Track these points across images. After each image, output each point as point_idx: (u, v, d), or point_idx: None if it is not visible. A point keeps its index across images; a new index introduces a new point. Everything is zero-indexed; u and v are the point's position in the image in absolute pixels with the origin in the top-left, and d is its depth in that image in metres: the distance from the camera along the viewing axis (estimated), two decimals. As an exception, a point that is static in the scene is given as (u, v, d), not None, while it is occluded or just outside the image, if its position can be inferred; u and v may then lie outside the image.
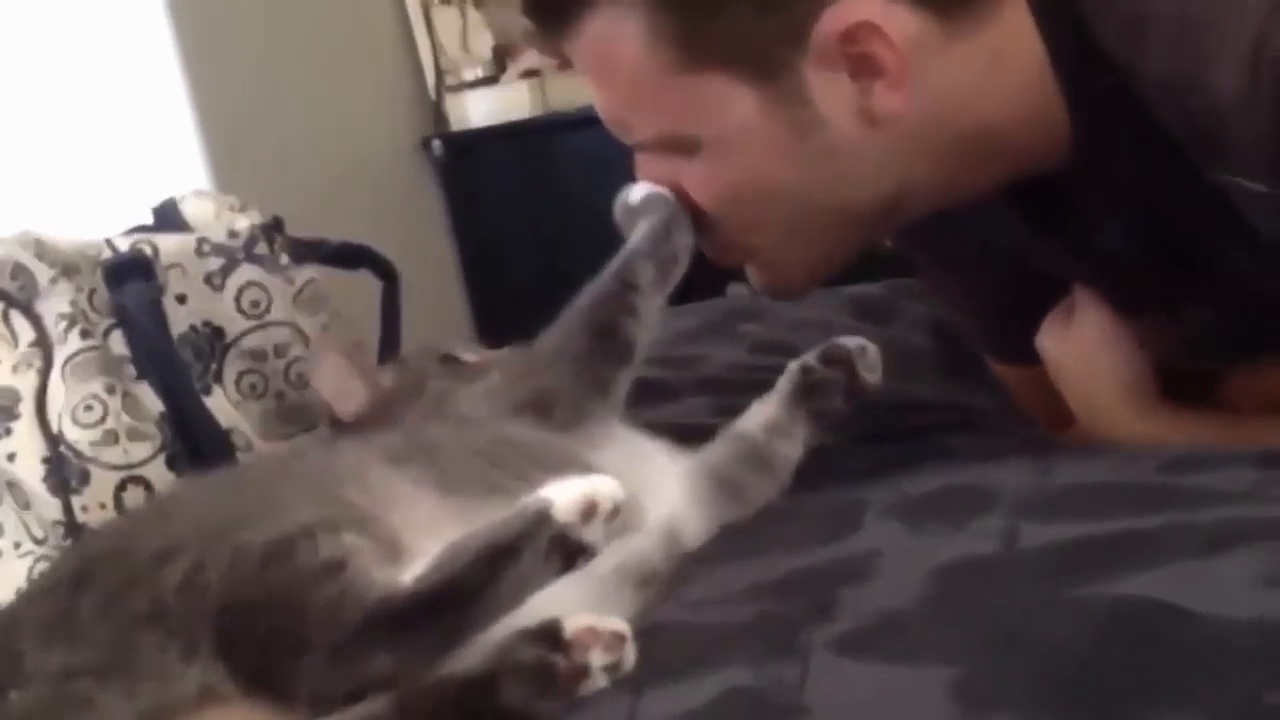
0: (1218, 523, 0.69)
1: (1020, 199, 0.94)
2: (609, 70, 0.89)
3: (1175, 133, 0.81)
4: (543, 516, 0.65)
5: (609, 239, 2.80)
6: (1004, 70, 0.86)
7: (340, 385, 0.93)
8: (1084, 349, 1.01)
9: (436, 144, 2.65)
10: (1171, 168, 0.83)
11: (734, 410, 0.97)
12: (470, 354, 0.98)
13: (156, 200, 1.12)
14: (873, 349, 0.94)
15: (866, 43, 0.83)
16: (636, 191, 0.93)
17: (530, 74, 2.58)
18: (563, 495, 0.65)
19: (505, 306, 2.66)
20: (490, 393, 0.89)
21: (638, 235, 0.92)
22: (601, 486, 0.66)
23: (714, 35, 0.84)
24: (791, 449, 0.92)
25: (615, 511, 0.66)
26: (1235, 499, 0.72)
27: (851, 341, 0.94)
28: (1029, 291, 1.04)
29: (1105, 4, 0.83)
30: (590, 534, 0.65)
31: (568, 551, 0.65)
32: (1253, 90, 0.75)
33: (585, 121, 2.51)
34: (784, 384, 0.94)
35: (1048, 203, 0.93)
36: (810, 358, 0.94)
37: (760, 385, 1.07)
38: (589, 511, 0.65)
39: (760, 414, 0.93)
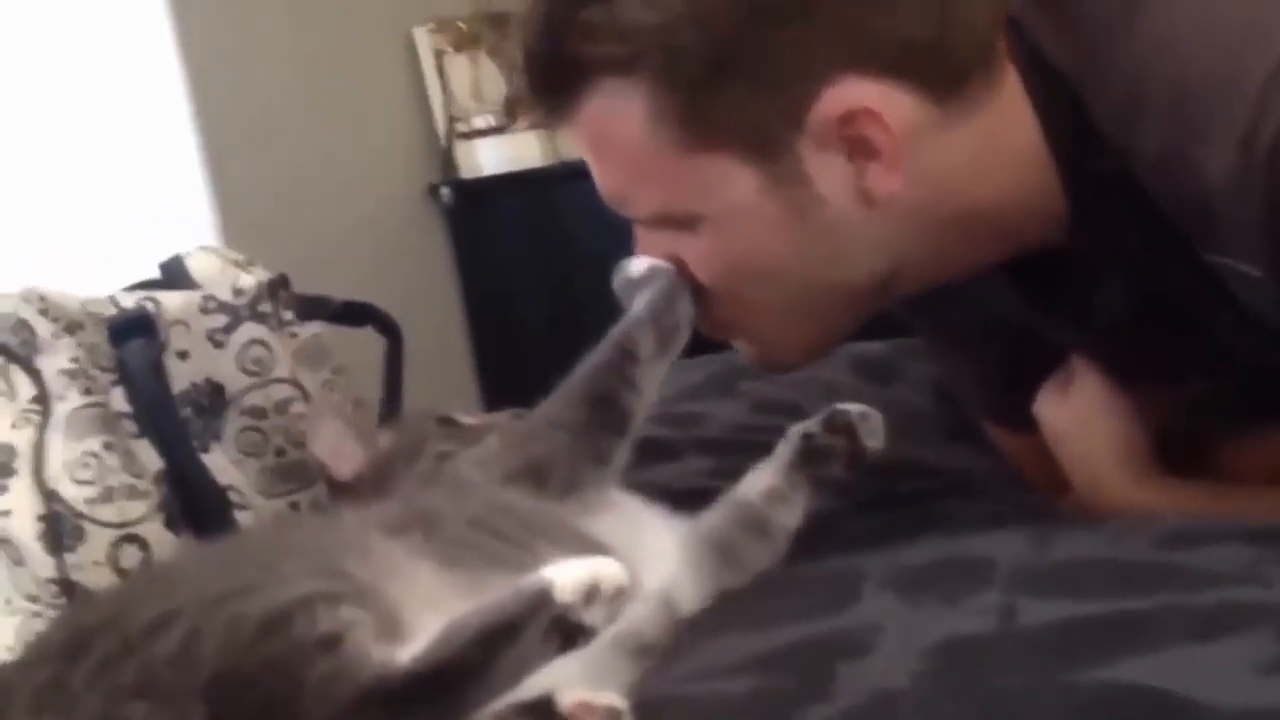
0: (1213, 606, 0.69)
1: (1017, 271, 0.94)
2: (609, 148, 0.90)
3: (1169, 213, 0.82)
4: (544, 597, 0.64)
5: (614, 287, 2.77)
6: (999, 152, 0.87)
7: (337, 447, 0.93)
8: (1080, 416, 1.01)
9: (445, 191, 2.67)
10: (1167, 245, 0.84)
11: (734, 472, 0.97)
12: (468, 418, 0.98)
13: (164, 255, 1.12)
14: (875, 415, 0.94)
15: (863, 126, 0.84)
16: (637, 264, 0.94)
17: (541, 123, 2.60)
18: (565, 576, 0.64)
19: (510, 354, 2.66)
20: (486, 460, 0.89)
21: (639, 304, 0.92)
22: (604, 568, 0.65)
23: (715, 115, 0.85)
24: (790, 517, 0.92)
25: (618, 593, 0.65)
26: (1231, 580, 0.72)
27: (854, 408, 0.94)
28: (1027, 359, 1.05)
29: (1100, 86, 0.83)
30: (591, 616, 0.64)
31: (567, 632, 0.64)
32: (1244, 175, 0.75)
33: (593, 171, 2.54)
34: (784, 450, 0.94)
35: (1044, 274, 0.93)
36: (812, 424, 0.94)
37: (761, 447, 1.07)
38: (591, 593, 0.64)
39: (760, 481, 0.93)
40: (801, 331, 0.95)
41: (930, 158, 0.85)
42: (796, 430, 0.94)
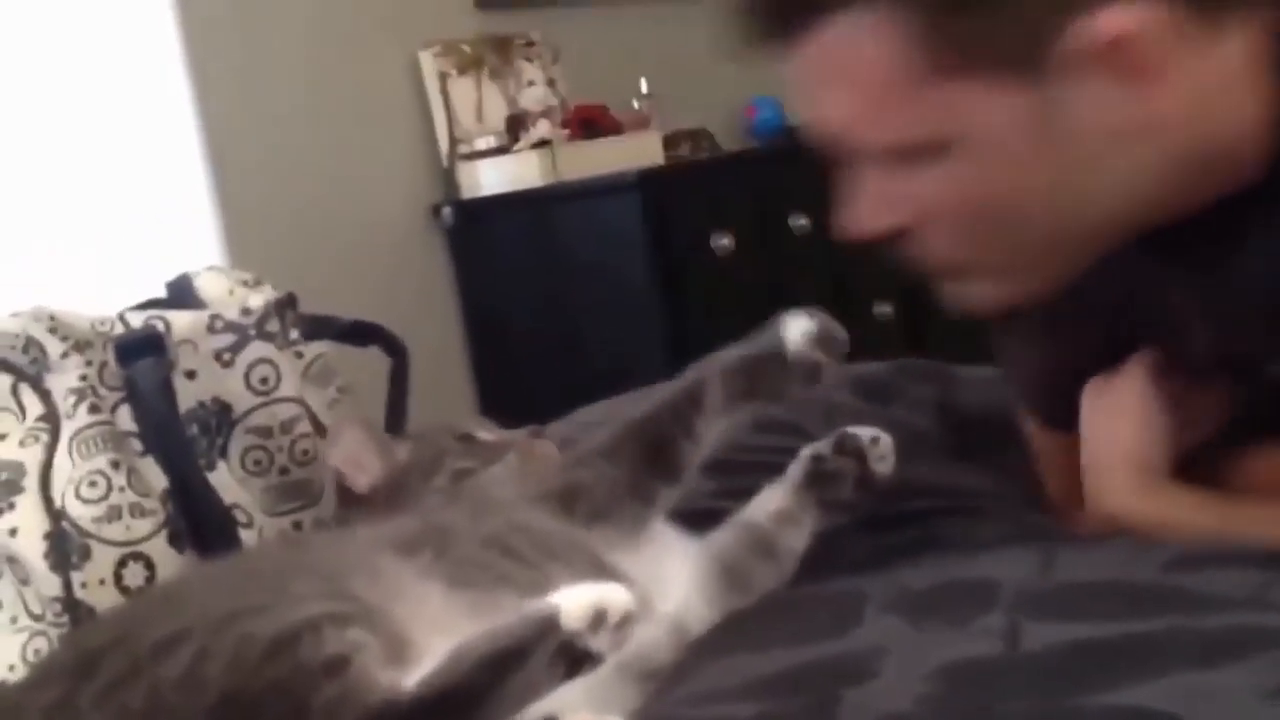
0: (1219, 630, 0.69)
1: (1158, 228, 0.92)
2: (851, 74, 0.85)
3: None
4: (551, 623, 0.64)
5: (612, 306, 2.80)
6: (1245, 80, 0.85)
7: (357, 458, 0.93)
8: (1109, 411, 0.99)
9: (447, 210, 2.67)
10: None
11: (736, 493, 0.97)
12: (487, 433, 0.98)
13: (172, 274, 1.12)
14: (886, 440, 0.93)
15: (1128, 49, 0.81)
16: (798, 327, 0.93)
17: (541, 144, 2.61)
18: (572, 602, 0.65)
19: (509, 371, 2.66)
20: (511, 476, 0.89)
21: (734, 353, 0.90)
22: (612, 595, 0.65)
23: (971, 39, 0.82)
24: (798, 539, 0.92)
25: (625, 620, 0.65)
26: (1238, 605, 0.72)
27: (864, 432, 0.93)
28: (1096, 355, 1.02)
29: None
30: (598, 642, 0.64)
31: (574, 659, 0.64)
32: None
33: (593, 191, 2.56)
34: (795, 471, 0.93)
35: (1187, 232, 0.91)
36: (823, 446, 0.93)
37: (763, 467, 1.07)
38: (598, 620, 0.64)
39: (770, 502, 0.93)
40: (1038, 271, 0.91)
41: (1186, 88, 0.83)
42: (806, 453, 0.94)
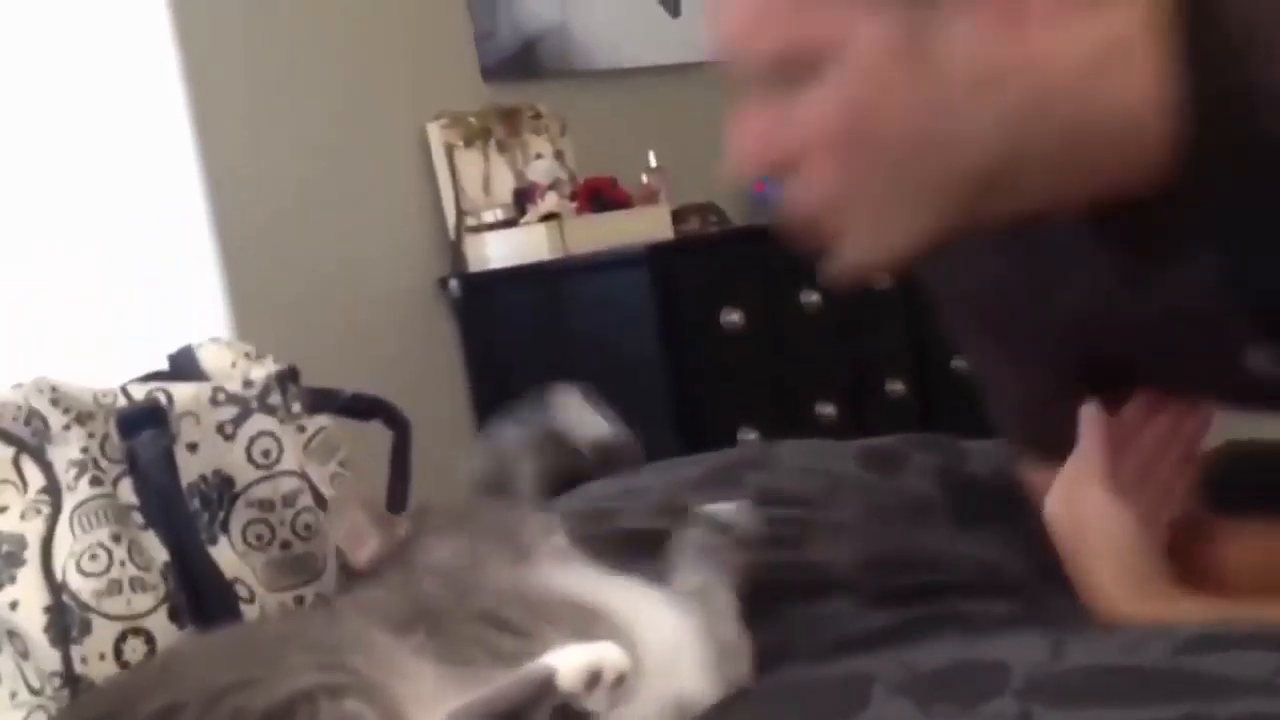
0: (1234, 716, 0.68)
1: (1107, 225, 0.92)
2: None
3: None
4: (548, 684, 0.66)
5: (620, 381, 2.81)
6: (1131, 50, 0.85)
7: (356, 534, 0.93)
8: (1082, 528, 1.00)
9: (454, 283, 2.68)
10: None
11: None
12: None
13: (177, 346, 1.12)
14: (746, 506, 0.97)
15: None
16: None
17: (549, 217, 2.62)
18: (568, 663, 0.66)
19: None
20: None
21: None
22: (607, 654, 0.67)
23: None
24: (720, 603, 0.91)
25: (620, 679, 0.67)
26: (1252, 689, 0.71)
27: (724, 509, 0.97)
28: (1077, 384, 1.02)
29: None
30: (593, 702, 0.66)
31: (570, 719, 0.65)
32: None
33: (601, 265, 2.57)
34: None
35: (1137, 228, 0.91)
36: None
37: (770, 540, 1.07)
38: (593, 680, 0.66)
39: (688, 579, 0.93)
40: (906, 212, 0.90)
41: (1066, 38, 0.84)
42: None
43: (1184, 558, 1.00)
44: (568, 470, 0.95)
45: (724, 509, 0.95)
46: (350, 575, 0.96)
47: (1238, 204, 0.86)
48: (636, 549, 1.02)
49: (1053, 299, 1.01)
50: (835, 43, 0.85)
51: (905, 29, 0.84)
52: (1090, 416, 1.02)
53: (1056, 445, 1.03)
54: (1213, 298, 0.90)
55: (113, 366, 1.20)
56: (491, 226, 2.69)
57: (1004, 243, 0.98)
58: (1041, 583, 1.04)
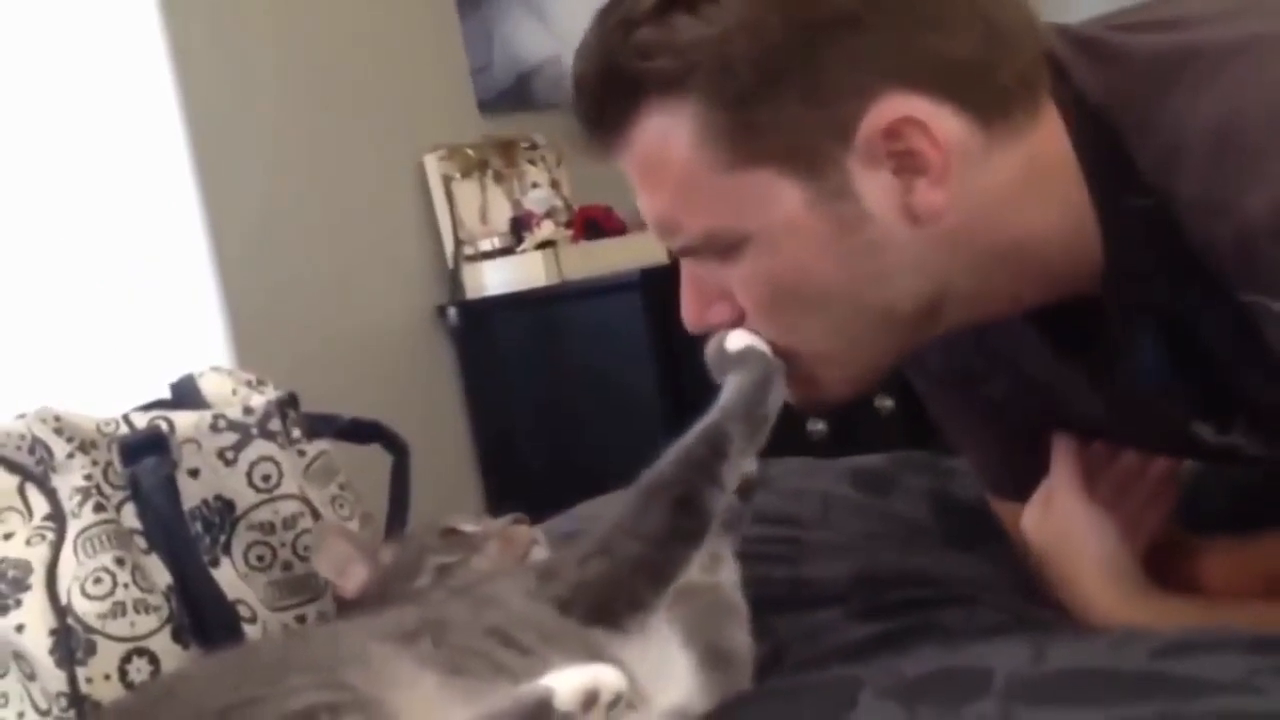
0: (1207, 715, 0.70)
1: (1051, 323, 0.95)
2: (659, 170, 0.90)
3: (1205, 255, 0.82)
4: (545, 705, 0.66)
5: (616, 402, 2.79)
6: (1040, 181, 0.88)
7: (343, 567, 0.95)
8: (1061, 536, 1.02)
9: (452, 311, 2.71)
10: (1199, 290, 0.85)
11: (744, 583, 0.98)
12: (470, 525, 0.99)
13: (178, 375, 1.14)
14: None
15: (911, 139, 0.85)
16: (735, 339, 0.93)
17: (545, 245, 2.64)
18: (565, 684, 0.67)
19: (514, 469, 2.67)
20: (527, 580, 0.88)
21: (731, 392, 0.91)
22: (603, 676, 0.68)
23: (762, 130, 0.86)
24: (732, 572, 0.94)
25: (616, 700, 0.68)
26: (1225, 689, 0.73)
27: None
28: (1036, 435, 1.05)
29: (1144, 130, 0.85)
30: None
31: None
32: None
33: (597, 290, 2.59)
34: None
35: (1077, 327, 0.93)
36: None
37: (762, 559, 1.08)
38: (590, 700, 0.67)
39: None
40: (846, 360, 0.94)
41: (973, 180, 0.87)
42: None
43: (1160, 571, 1.02)
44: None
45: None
46: (343, 605, 0.98)
47: (1161, 311, 0.89)
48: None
49: (1012, 377, 1.04)
50: (753, 220, 0.89)
51: (816, 195, 0.87)
52: (1062, 441, 1.04)
53: (1026, 487, 1.07)
54: (1160, 384, 0.93)
55: (115, 396, 1.22)
56: (489, 255, 2.71)
57: (958, 339, 1.01)
58: (1026, 597, 1.06)
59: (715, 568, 0.93)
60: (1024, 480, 1.08)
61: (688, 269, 0.95)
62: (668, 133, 0.89)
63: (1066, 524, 1.02)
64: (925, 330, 0.94)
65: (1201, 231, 0.82)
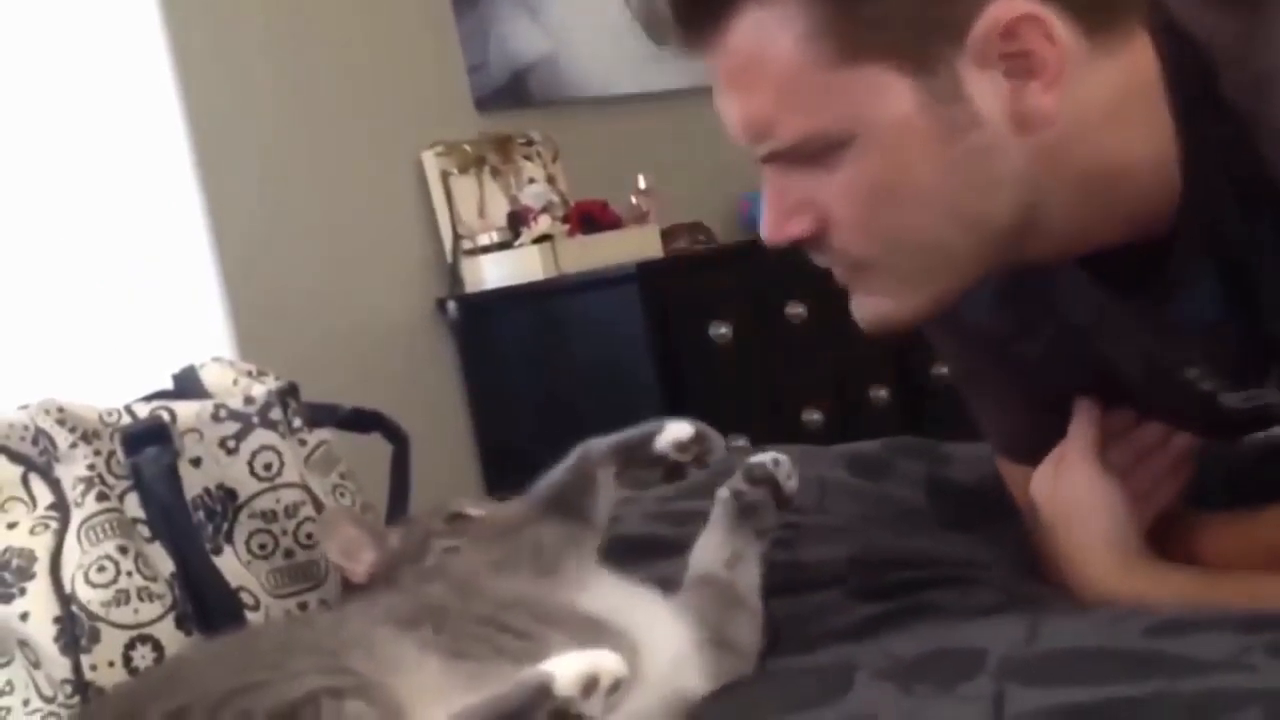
0: (1202, 692, 0.71)
1: (1104, 266, 0.94)
2: (759, 69, 0.87)
3: None
4: (545, 690, 0.67)
5: (614, 394, 2.81)
6: (1132, 104, 0.88)
7: (351, 552, 0.95)
8: (1069, 501, 1.02)
9: (451, 305, 2.72)
10: (1273, 225, 0.84)
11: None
12: (477, 509, 1.00)
13: (178, 367, 1.15)
14: (785, 459, 0.97)
15: (1026, 39, 0.84)
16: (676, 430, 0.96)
17: (543, 239, 2.65)
18: (565, 669, 0.67)
19: (513, 459, 2.68)
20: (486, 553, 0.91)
21: (608, 442, 0.96)
22: (604, 661, 0.69)
23: (873, 26, 0.84)
24: (752, 574, 0.94)
25: (616, 685, 0.68)
26: (1219, 667, 0.73)
27: (766, 458, 0.97)
28: (1060, 400, 1.05)
29: (1235, 57, 0.84)
30: (590, 708, 0.67)
31: None
32: None
33: (594, 284, 2.60)
34: (722, 512, 0.96)
35: (1132, 271, 0.93)
36: (737, 482, 0.96)
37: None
38: (590, 685, 0.67)
39: (714, 551, 0.95)
40: (933, 274, 0.92)
41: (1077, 93, 0.85)
42: (725, 493, 0.96)
43: (1160, 543, 1.03)
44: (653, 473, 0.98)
45: (764, 458, 0.96)
46: (350, 590, 0.99)
47: (1228, 250, 0.89)
48: (635, 555, 1.05)
49: (1052, 334, 1.03)
50: (859, 120, 0.86)
51: (925, 96, 0.85)
52: (1084, 404, 1.04)
53: (1041, 452, 1.06)
54: (1211, 325, 0.93)
55: (118, 388, 1.23)
56: (487, 249, 2.72)
57: (1002, 288, 1.01)
58: (1022, 578, 1.07)
59: (735, 566, 0.94)
60: (1040, 444, 1.06)
61: (772, 178, 0.92)
62: (771, 26, 0.86)
63: (1075, 490, 1.01)
64: (1012, 253, 0.92)
65: None
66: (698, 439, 0.96)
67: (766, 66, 0.87)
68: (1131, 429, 1.06)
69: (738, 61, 0.88)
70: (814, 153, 0.88)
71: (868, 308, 0.94)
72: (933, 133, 0.86)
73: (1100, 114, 0.87)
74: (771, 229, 0.93)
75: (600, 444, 0.98)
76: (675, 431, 0.97)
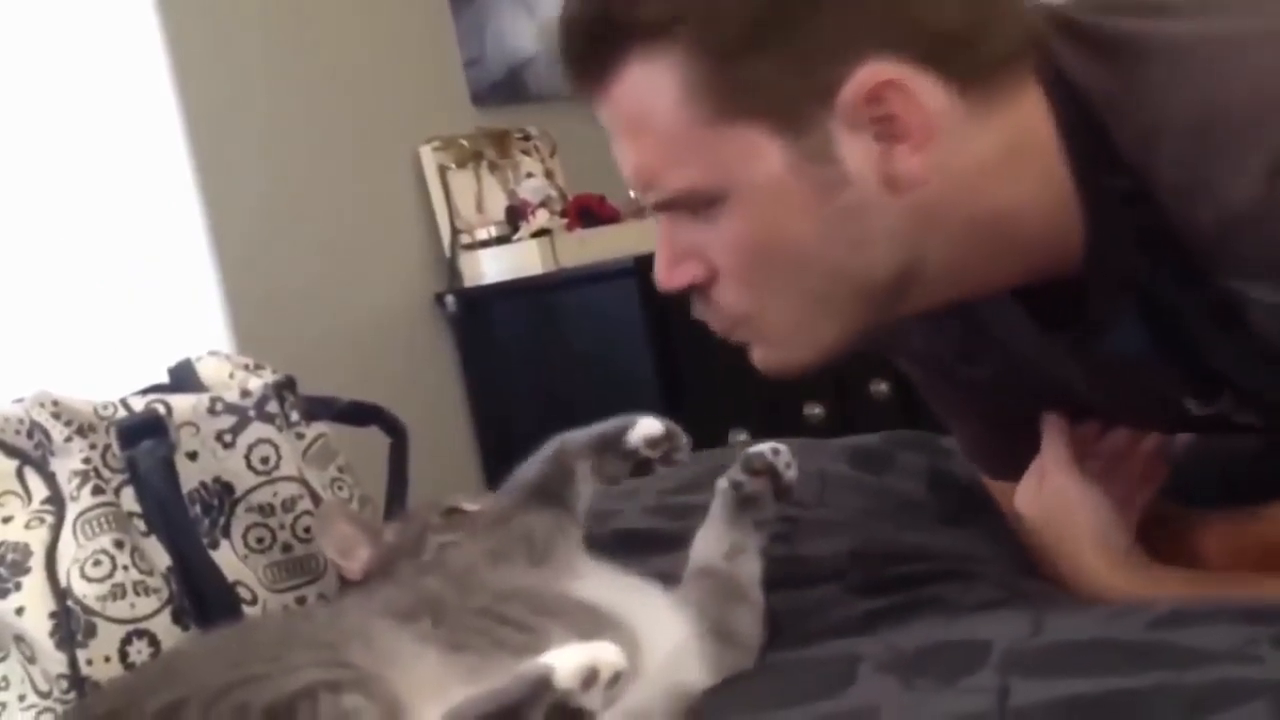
0: (1206, 684, 0.70)
1: (1036, 300, 0.95)
2: (642, 122, 0.89)
3: (1185, 238, 0.82)
4: (544, 682, 0.66)
5: (613, 387, 2.80)
6: (1020, 157, 0.88)
7: (347, 549, 0.95)
8: (1056, 510, 1.02)
9: (450, 299, 2.71)
10: (1178, 273, 0.85)
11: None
12: (472, 504, 1.00)
13: (174, 360, 1.14)
14: (784, 449, 0.97)
15: (892, 103, 0.85)
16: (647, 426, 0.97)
17: (541, 233, 2.65)
18: (564, 661, 0.67)
19: (512, 452, 2.68)
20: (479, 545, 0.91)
21: (583, 436, 0.97)
22: (603, 654, 0.68)
23: (748, 86, 0.86)
24: (753, 566, 0.94)
25: (616, 677, 0.68)
26: (1222, 659, 0.73)
27: (765, 448, 0.97)
28: (1026, 416, 1.05)
29: (1124, 110, 0.85)
30: (590, 700, 0.67)
31: (567, 716, 0.66)
32: (1268, 200, 0.77)
33: (592, 278, 2.59)
34: (720, 504, 0.96)
35: (1060, 303, 0.93)
36: (735, 473, 0.96)
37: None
38: (590, 677, 0.67)
39: (714, 543, 0.95)
40: (815, 327, 0.93)
41: (953, 150, 0.86)
42: (724, 484, 0.96)
43: (1156, 545, 1.03)
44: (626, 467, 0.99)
45: (763, 448, 0.96)
46: (347, 585, 0.98)
47: (1141, 291, 0.89)
48: (635, 549, 1.04)
49: (1000, 358, 1.04)
50: (734, 177, 0.88)
51: (797, 155, 0.87)
52: (1052, 419, 1.05)
53: (1017, 468, 1.07)
54: (1142, 360, 0.93)
55: (117, 383, 1.22)
56: (485, 244, 2.71)
57: (938, 319, 1.01)
58: (1023, 572, 1.07)
59: (735, 558, 0.94)
60: (1014, 461, 1.08)
61: (663, 226, 0.94)
62: (652, 83, 0.88)
63: (1060, 499, 1.02)
64: (898, 303, 0.93)
65: (1181, 214, 0.82)
66: (668, 436, 0.97)
67: (649, 120, 0.89)
68: (1098, 440, 1.06)
69: (624, 111, 0.91)
70: (695, 206, 0.90)
71: (759, 355, 0.96)
72: (805, 192, 0.88)
73: (983, 169, 0.88)
74: (662, 275, 0.95)
75: (576, 437, 0.99)
76: (646, 428, 0.97)
